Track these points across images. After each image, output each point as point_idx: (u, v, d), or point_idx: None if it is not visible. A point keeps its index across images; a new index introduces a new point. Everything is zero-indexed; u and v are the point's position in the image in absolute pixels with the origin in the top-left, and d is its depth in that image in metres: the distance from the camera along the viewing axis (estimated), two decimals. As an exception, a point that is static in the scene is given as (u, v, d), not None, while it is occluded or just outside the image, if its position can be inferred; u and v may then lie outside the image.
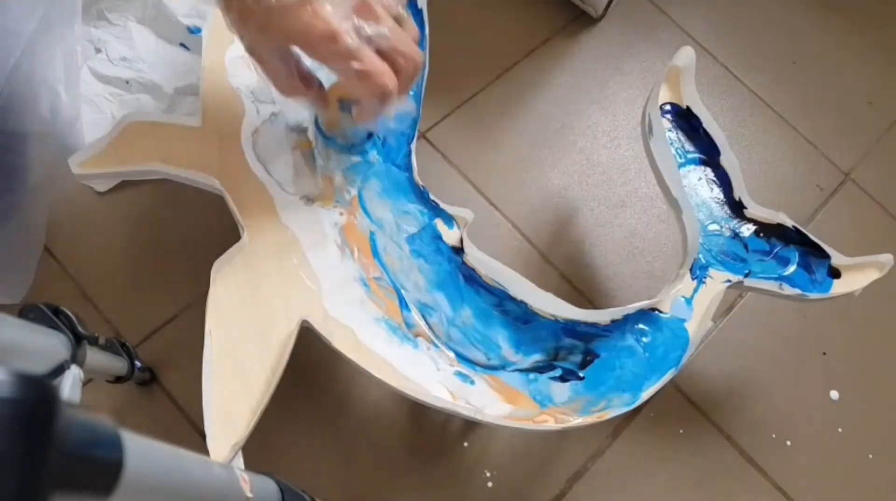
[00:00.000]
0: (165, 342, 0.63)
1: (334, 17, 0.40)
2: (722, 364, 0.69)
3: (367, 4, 0.42)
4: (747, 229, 0.60)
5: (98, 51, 0.72)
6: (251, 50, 0.44)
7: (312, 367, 0.63)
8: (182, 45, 0.72)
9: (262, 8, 0.40)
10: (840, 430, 0.67)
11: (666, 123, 0.62)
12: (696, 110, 0.62)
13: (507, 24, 0.83)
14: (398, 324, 0.55)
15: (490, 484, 0.61)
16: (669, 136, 0.62)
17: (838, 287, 0.58)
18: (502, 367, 0.55)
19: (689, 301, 0.57)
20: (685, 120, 0.62)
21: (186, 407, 0.61)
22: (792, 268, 0.58)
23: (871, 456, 0.66)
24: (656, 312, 0.57)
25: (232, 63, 0.58)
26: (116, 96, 0.70)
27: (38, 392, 0.19)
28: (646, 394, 0.53)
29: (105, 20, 0.72)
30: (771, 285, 0.58)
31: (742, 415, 0.67)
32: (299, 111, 0.60)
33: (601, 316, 0.57)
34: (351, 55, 0.41)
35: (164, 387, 0.61)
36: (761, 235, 0.60)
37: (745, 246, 0.59)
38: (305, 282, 0.53)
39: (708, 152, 0.62)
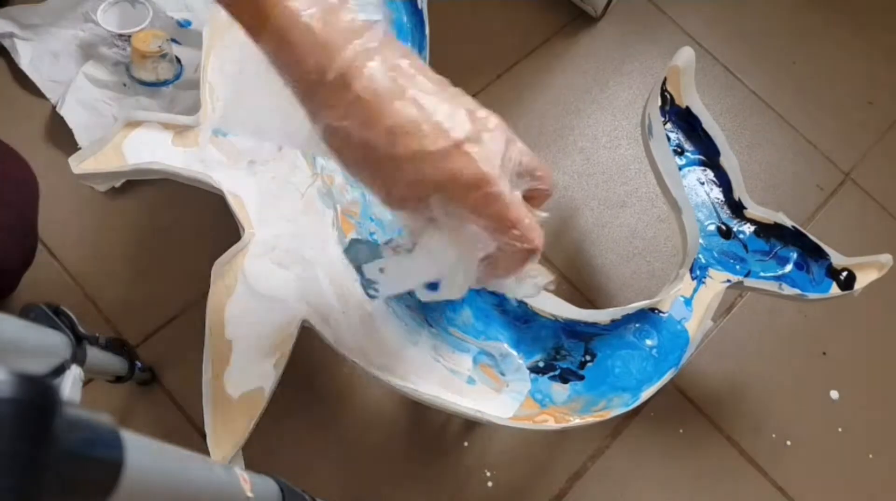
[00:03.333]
0: (166, 342, 0.63)
1: (489, 158, 0.33)
2: (722, 364, 0.69)
3: (513, 140, 0.35)
4: (747, 229, 0.60)
5: (90, 57, 0.72)
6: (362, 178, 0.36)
7: (312, 367, 0.63)
8: (173, 40, 0.72)
9: (406, 155, 0.33)
10: (840, 430, 0.67)
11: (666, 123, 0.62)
12: (695, 110, 0.62)
13: (507, 25, 0.83)
14: (398, 325, 0.55)
15: (490, 484, 0.61)
16: (669, 136, 0.62)
17: (837, 287, 0.58)
18: (502, 367, 0.56)
19: (688, 301, 0.57)
20: (685, 120, 0.62)
21: (187, 407, 0.61)
22: (791, 268, 0.58)
23: (871, 456, 0.66)
24: (656, 312, 0.57)
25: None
26: (116, 99, 0.70)
27: (38, 392, 0.19)
28: (645, 394, 0.53)
29: (91, 22, 0.72)
30: (770, 286, 0.58)
31: (742, 415, 0.67)
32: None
33: (601, 316, 0.57)
34: (504, 205, 0.34)
35: (164, 387, 0.61)
36: (761, 235, 0.60)
37: (745, 246, 0.59)
38: (306, 282, 0.53)
39: (707, 153, 0.62)
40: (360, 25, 0.33)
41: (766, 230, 0.60)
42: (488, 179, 0.33)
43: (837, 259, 0.58)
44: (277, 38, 0.33)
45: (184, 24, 0.73)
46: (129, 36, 0.69)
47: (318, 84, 0.33)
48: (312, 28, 0.32)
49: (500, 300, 0.57)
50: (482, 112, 0.35)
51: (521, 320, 0.57)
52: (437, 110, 0.33)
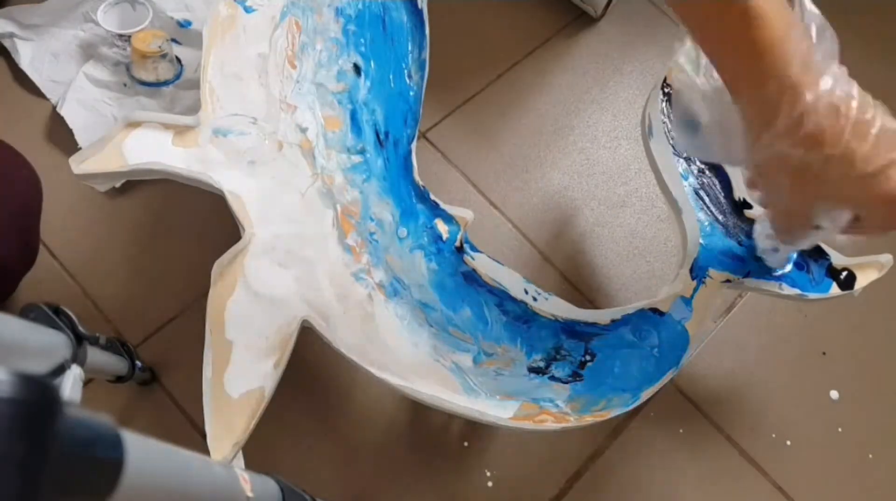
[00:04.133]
0: (166, 341, 0.63)
1: None
2: (722, 364, 0.69)
3: None
4: (748, 229, 0.60)
5: (90, 57, 0.72)
6: (787, 208, 0.43)
7: (313, 367, 0.63)
8: (173, 40, 0.72)
9: (840, 179, 0.38)
10: (840, 430, 0.67)
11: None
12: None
13: (507, 25, 0.83)
14: (398, 325, 0.55)
15: (490, 484, 0.61)
16: (669, 136, 0.62)
17: (837, 287, 0.58)
18: (502, 367, 0.55)
19: (688, 301, 0.57)
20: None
21: (187, 407, 0.61)
22: (791, 268, 0.58)
23: (871, 456, 0.66)
24: (656, 312, 0.57)
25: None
26: (116, 99, 0.70)
27: (38, 392, 0.19)
28: (645, 394, 0.53)
29: (91, 22, 0.72)
30: (770, 285, 0.58)
31: (742, 415, 0.67)
32: (302, 114, 0.60)
33: (601, 316, 0.57)
34: None
35: (164, 387, 0.61)
36: (761, 235, 0.60)
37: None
38: (306, 282, 0.53)
39: (708, 152, 0.62)
40: (818, 65, 0.37)
41: (766, 230, 0.60)
42: None
43: (837, 259, 0.58)
44: (756, 83, 0.37)
45: (184, 25, 0.73)
46: (129, 36, 0.69)
47: (773, 121, 0.38)
48: (789, 74, 0.37)
49: (500, 300, 0.57)
50: None
51: (521, 320, 0.57)
52: (867, 139, 0.37)
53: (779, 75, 0.36)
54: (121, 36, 0.70)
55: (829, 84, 0.37)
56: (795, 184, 0.40)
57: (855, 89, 0.38)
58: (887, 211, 0.39)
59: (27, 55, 0.72)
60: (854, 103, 0.37)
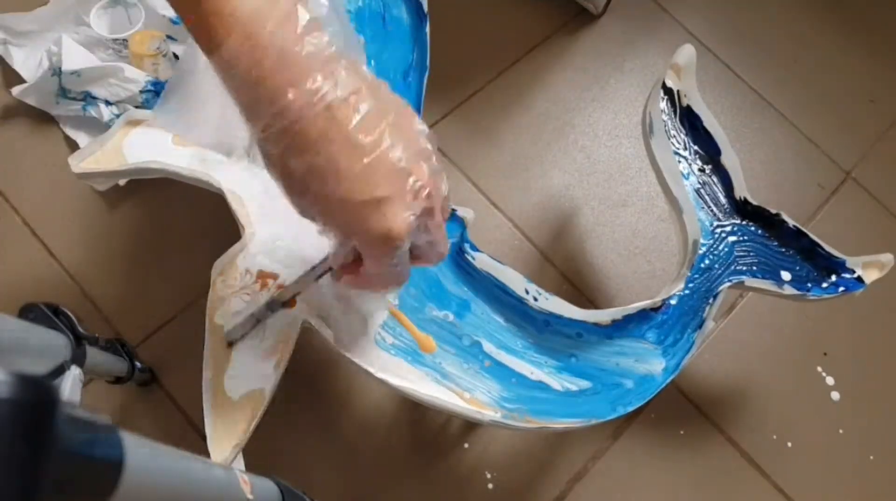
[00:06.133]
0: (165, 342, 0.63)
1: (403, 224, 0.35)
2: (722, 364, 0.69)
3: (431, 210, 0.36)
4: (748, 229, 0.60)
5: None
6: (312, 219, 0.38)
7: (312, 367, 0.63)
8: (169, 37, 0.71)
9: (323, 194, 0.34)
10: (841, 431, 0.67)
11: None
12: (696, 109, 0.62)
13: (508, 23, 0.83)
14: (398, 324, 0.54)
15: (490, 486, 0.61)
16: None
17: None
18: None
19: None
20: (686, 118, 0.62)
21: (187, 408, 0.61)
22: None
23: (872, 458, 0.66)
24: (657, 312, 0.56)
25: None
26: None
27: (38, 393, 0.18)
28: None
29: (85, 25, 0.72)
30: (771, 285, 0.58)
31: (742, 415, 0.67)
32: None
33: (601, 316, 0.57)
34: (393, 261, 0.37)
35: (164, 388, 0.61)
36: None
37: (747, 246, 0.59)
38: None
39: (709, 151, 0.62)
40: (308, 60, 0.32)
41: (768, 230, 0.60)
42: (393, 239, 0.35)
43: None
44: (226, 66, 0.32)
45: (177, 21, 0.73)
46: (125, 39, 0.68)
47: (258, 116, 0.33)
48: (261, 67, 0.32)
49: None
50: (420, 166, 0.35)
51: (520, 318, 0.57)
52: (360, 160, 0.33)
53: (257, 61, 0.31)
54: (115, 40, 0.70)
55: (319, 83, 0.32)
56: (286, 190, 0.35)
57: (367, 103, 0.33)
58: (378, 250, 0.35)
59: (20, 57, 0.72)
60: (357, 117, 0.33)
